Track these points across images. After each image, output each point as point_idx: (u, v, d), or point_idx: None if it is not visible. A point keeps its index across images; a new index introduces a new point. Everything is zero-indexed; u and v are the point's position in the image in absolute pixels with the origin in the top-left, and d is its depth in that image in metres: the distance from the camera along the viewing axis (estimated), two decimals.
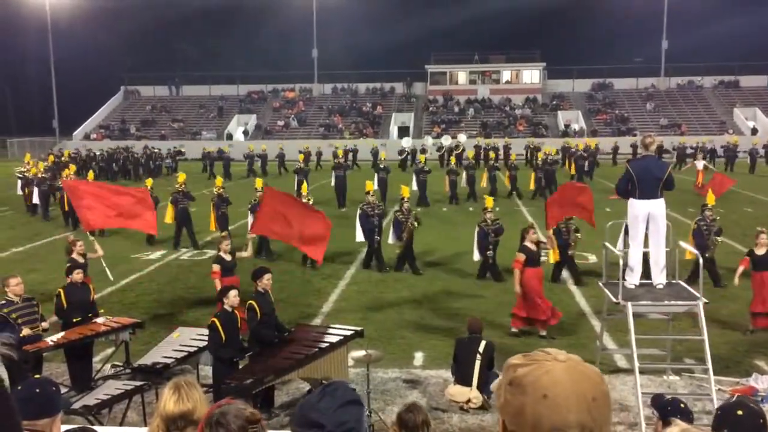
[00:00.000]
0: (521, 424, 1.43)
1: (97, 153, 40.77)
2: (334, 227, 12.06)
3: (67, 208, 20.62)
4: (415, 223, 14.69)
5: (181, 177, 18.79)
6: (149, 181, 19.17)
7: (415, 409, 4.95)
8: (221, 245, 10.95)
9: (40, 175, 23.80)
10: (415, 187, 24.73)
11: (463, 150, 34.42)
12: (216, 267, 10.72)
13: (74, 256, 10.52)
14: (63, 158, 34.69)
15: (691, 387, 8.57)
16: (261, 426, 2.52)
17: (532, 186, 26.47)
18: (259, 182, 17.18)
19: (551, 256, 13.04)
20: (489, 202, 14.64)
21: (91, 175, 23.29)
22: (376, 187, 25.02)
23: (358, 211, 15.37)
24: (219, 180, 18.67)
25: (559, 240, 13.05)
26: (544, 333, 10.54)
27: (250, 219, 15.87)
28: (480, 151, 38.45)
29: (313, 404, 1.95)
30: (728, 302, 12.02)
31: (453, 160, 28.54)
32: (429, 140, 44.30)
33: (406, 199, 15.19)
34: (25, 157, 32.16)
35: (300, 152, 34.18)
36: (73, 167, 26.60)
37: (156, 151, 42.16)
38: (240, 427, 2.44)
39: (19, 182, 26.14)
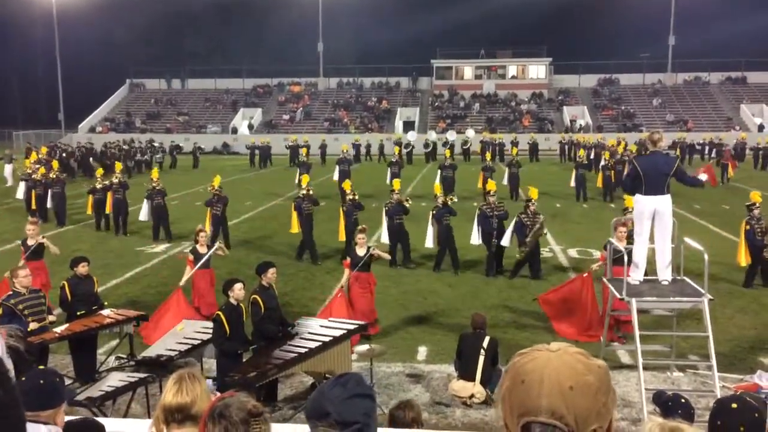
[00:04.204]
0: (506, 408, 1.48)
1: (92, 146, 40.55)
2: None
3: (91, 210, 19.30)
4: (545, 230, 13.54)
5: (305, 179, 16.24)
6: (217, 180, 16.72)
7: (406, 407, 4.88)
8: None
9: (53, 176, 20.89)
10: (437, 181, 23.68)
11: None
12: None
13: (29, 240, 11.44)
14: (42, 155, 29.82)
15: (695, 384, 8.54)
16: (264, 419, 2.52)
17: (599, 184, 24.01)
18: (217, 180, 16.65)
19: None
20: (629, 201, 11.58)
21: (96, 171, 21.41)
22: (388, 182, 24.82)
23: (477, 212, 14.30)
24: (306, 178, 16.22)
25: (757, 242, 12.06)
26: (621, 334, 10.02)
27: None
28: (488, 146, 38.06)
29: (324, 392, 1.96)
30: (733, 299, 12.00)
31: (447, 153, 28.35)
32: (433, 135, 44.23)
33: (533, 201, 13.79)
34: (31, 157, 28.68)
35: (352, 144, 34.30)
36: (100, 170, 21.81)
37: (138, 146, 40.76)
38: (242, 419, 2.44)
39: (23, 185, 22.41)
